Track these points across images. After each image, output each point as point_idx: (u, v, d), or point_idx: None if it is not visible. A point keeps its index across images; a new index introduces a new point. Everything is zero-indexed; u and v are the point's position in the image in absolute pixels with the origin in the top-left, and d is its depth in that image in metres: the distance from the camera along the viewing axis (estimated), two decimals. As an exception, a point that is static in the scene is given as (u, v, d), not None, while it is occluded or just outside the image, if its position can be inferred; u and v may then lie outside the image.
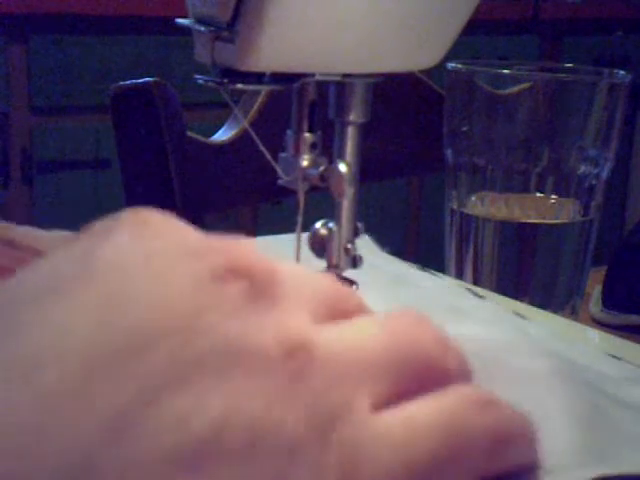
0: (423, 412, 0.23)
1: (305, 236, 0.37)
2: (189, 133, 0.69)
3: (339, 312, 0.25)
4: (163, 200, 0.65)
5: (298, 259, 0.37)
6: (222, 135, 0.74)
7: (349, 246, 0.37)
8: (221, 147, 0.72)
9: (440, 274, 0.49)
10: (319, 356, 0.22)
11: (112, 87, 0.66)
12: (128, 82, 0.66)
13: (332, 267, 0.38)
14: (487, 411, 0.24)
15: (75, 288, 0.21)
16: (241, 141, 0.73)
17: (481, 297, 0.45)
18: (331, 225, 0.37)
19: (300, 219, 0.36)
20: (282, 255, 0.38)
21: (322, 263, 0.38)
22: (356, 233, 0.37)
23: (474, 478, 0.24)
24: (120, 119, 0.66)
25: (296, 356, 0.22)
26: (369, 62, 0.33)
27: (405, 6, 0.32)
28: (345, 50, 0.33)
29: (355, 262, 0.37)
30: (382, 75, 0.35)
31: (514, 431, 0.25)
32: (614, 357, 0.38)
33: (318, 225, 0.37)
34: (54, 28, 1.64)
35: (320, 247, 0.37)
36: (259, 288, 0.23)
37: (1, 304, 0.21)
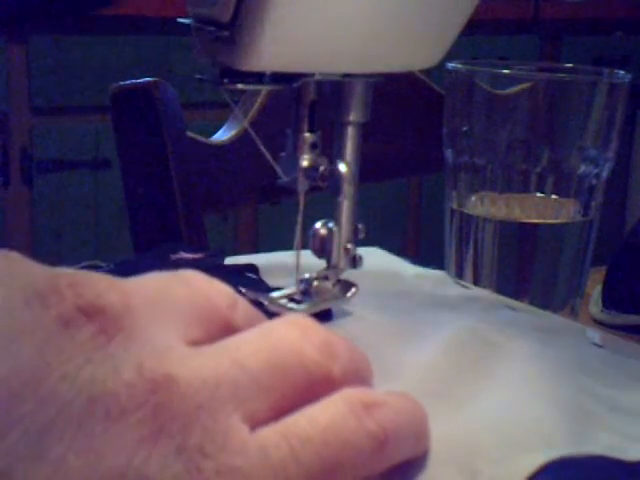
0: (300, 425, 0.22)
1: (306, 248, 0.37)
2: (189, 133, 0.69)
3: (219, 326, 0.24)
4: (163, 200, 0.65)
5: (298, 261, 0.37)
6: (222, 135, 0.74)
7: (349, 246, 0.37)
8: (221, 147, 0.72)
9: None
10: (185, 385, 0.21)
11: (112, 87, 0.66)
12: (128, 82, 0.66)
13: (332, 267, 0.38)
14: (370, 414, 0.23)
15: None
16: (241, 141, 0.73)
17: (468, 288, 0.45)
18: (331, 225, 0.37)
19: (300, 219, 0.36)
20: (286, 268, 0.38)
21: (322, 263, 0.38)
22: (356, 234, 0.37)
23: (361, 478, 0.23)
24: (120, 119, 0.66)
25: (160, 389, 0.21)
26: (369, 62, 0.33)
27: (405, 6, 0.32)
28: (345, 50, 0.33)
29: (355, 262, 0.37)
30: (382, 75, 0.35)
31: (401, 429, 0.24)
32: (599, 346, 0.38)
33: (318, 225, 0.37)
34: (54, 28, 1.64)
35: (320, 247, 0.37)
36: (113, 325, 0.22)
37: None
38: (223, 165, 0.72)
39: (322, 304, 0.37)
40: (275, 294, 0.37)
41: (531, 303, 0.52)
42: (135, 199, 0.67)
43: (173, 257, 0.45)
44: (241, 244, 1.73)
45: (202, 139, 0.71)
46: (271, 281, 0.42)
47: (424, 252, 1.99)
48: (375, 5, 0.31)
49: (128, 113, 0.65)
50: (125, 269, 0.42)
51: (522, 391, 0.30)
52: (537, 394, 0.30)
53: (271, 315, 0.35)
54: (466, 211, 0.56)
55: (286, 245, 0.41)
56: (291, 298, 0.37)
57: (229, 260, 0.46)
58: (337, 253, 0.37)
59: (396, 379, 0.30)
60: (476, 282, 0.55)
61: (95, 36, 1.67)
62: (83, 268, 0.42)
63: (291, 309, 0.36)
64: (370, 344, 0.33)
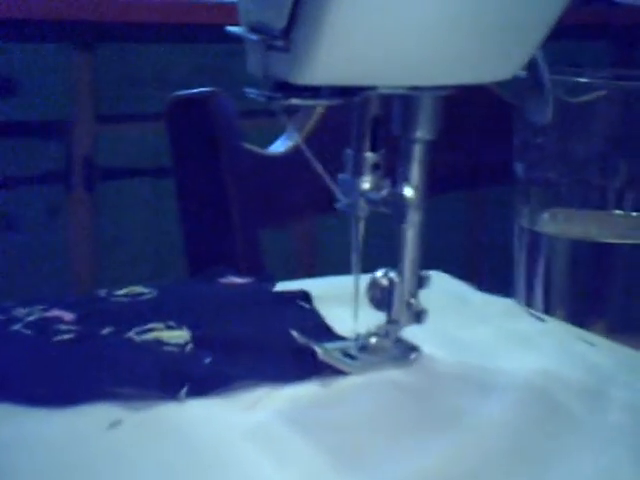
0: None
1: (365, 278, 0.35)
2: (246, 145, 0.68)
3: None
4: (216, 214, 0.65)
5: (357, 288, 0.34)
6: (280, 146, 0.73)
7: (412, 301, 0.34)
8: (278, 159, 0.71)
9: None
10: None
11: (169, 97, 0.66)
12: (185, 92, 0.66)
13: (392, 322, 0.35)
14: None
15: None
16: (299, 152, 0.71)
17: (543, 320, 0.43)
18: (392, 275, 0.34)
19: (359, 245, 0.33)
20: (342, 296, 0.36)
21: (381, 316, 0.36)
22: (420, 284, 0.34)
23: None
24: (175, 130, 0.66)
25: None
26: (439, 73, 0.32)
27: (482, 12, 0.29)
28: (412, 60, 0.31)
29: (419, 317, 0.35)
30: (453, 87, 0.32)
31: None
32: None
33: (379, 274, 0.35)
34: (119, 36, 1.67)
35: (380, 299, 0.35)
36: None
37: None
38: (280, 177, 0.72)
39: (378, 365, 0.35)
40: (329, 345, 0.35)
41: (607, 329, 0.50)
42: (189, 211, 0.66)
43: (222, 281, 0.43)
44: (299, 257, 1.72)
45: (259, 150, 0.71)
46: (326, 310, 0.41)
47: (489, 273, 1.95)
48: (447, 10, 0.29)
49: (183, 124, 0.65)
50: (169, 297, 0.40)
51: (614, 450, 0.27)
52: (634, 454, 0.26)
53: (322, 363, 0.33)
54: (537, 229, 0.55)
55: (346, 262, 0.39)
56: (346, 352, 0.35)
57: (280, 286, 0.44)
58: (399, 307, 0.34)
59: (471, 433, 0.27)
60: (547, 307, 0.55)
61: (157, 44, 1.70)
62: (126, 295, 0.41)
63: (344, 364, 0.34)
64: (438, 390, 0.31)
